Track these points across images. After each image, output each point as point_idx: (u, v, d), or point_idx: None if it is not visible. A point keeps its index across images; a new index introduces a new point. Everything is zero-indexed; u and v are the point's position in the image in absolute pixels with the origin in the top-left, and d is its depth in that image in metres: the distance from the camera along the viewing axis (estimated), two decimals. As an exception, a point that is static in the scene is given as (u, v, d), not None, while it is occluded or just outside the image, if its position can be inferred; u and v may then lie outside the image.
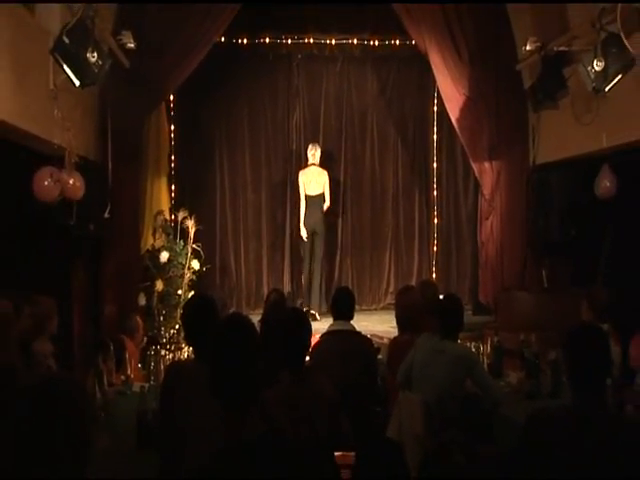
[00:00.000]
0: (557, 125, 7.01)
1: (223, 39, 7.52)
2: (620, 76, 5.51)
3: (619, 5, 5.28)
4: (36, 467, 1.83)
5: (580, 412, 2.33)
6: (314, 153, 8.44)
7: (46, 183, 5.18)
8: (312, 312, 7.97)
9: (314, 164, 8.45)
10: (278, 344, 3.18)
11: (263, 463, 1.84)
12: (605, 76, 5.53)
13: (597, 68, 5.52)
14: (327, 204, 8.44)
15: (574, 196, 6.94)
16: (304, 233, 8.32)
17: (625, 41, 5.39)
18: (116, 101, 6.51)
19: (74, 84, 5.13)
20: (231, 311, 8.22)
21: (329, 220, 8.70)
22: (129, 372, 4.54)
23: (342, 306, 4.60)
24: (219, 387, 1.98)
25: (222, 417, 1.94)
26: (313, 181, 8.39)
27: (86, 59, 5.08)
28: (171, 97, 7.99)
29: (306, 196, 8.39)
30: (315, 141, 8.82)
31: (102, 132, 6.57)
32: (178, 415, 2.86)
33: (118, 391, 4.32)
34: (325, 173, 8.45)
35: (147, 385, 4.45)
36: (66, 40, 4.96)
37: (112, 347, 4.78)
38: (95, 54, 5.14)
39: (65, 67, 5.02)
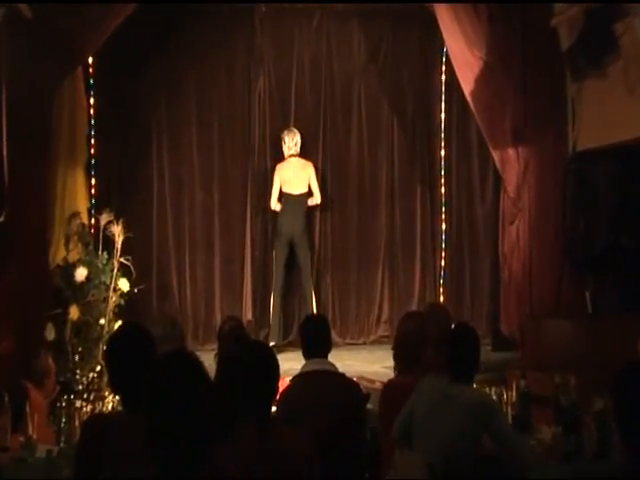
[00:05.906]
0: (605, 100, 7.07)
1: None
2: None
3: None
4: None
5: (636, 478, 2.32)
6: (293, 140, 8.67)
7: None
8: None
9: (293, 155, 8.62)
10: (236, 388, 3.21)
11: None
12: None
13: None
14: (317, 201, 8.73)
15: (627, 193, 6.99)
16: (275, 206, 8.62)
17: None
18: (14, 64, 6.42)
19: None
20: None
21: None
22: (31, 431, 4.47)
23: (315, 340, 4.60)
24: (157, 445, 2.03)
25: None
26: (294, 177, 8.61)
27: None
28: (91, 61, 7.95)
29: (285, 195, 8.55)
30: (287, 124, 8.95)
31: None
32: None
33: (16, 457, 4.26)
34: (309, 165, 8.73)
35: (56, 448, 4.42)
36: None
37: (7, 398, 4.71)
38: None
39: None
